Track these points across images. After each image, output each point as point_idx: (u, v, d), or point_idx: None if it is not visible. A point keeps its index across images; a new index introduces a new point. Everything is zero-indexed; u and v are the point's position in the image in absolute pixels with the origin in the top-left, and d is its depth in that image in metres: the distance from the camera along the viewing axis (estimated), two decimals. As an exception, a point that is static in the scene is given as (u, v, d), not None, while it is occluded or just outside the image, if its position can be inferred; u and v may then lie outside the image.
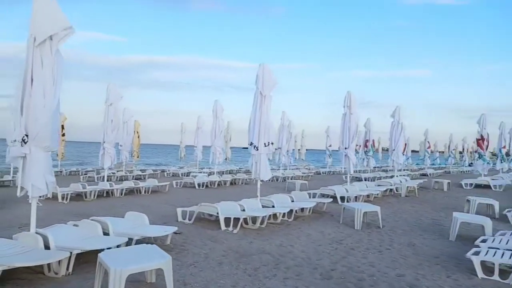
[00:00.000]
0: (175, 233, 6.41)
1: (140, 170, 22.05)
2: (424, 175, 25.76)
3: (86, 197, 11.60)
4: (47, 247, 4.97)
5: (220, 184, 16.87)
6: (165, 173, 22.62)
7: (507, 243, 5.81)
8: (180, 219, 8.36)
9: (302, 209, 9.45)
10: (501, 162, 19.64)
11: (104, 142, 12.56)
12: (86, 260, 5.12)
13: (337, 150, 31.38)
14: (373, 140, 23.81)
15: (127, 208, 9.94)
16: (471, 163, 33.20)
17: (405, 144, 22.29)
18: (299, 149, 30.95)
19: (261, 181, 9.20)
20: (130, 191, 13.41)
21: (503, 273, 4.91)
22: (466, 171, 31.63)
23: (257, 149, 8.95)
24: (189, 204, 10.38)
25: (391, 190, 14.12)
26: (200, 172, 20.26)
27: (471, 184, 17.38)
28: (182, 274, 4.83)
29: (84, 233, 5.70)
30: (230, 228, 7.45)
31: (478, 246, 5.71)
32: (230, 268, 5.16)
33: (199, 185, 15.77)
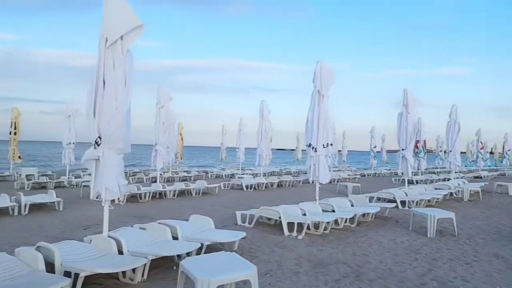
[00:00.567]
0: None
1: (185, 171, 22.24)
2: (478, 177, 24.20)
3: (140, 199, 11.68)
4: (119, 251, 4.88)
5: (267, 186, 16.58)
6: (209, 174, 22.70)
7: None
8: (239, 222, 8.13)
9: (364, 214, 8.93)
10: None
11: (156, 144, 12.65)
12: (157, 265, 4.97)
13: (379, 152, 30.53)
14: (424, 141, 22.52)
15: (184, 210, 9.90)
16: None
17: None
18: (339, 150, 30.07)
19: (320, 184, 8.82)
20: (181, 193, 13.42)
21: None
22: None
23: (316, 151, 8.56)
24: (241, 206, 10.18)
25: (451, 194, 13.23)
26: (245, 174, 20.09)
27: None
28: (260, 284, 4.51)
29: (153, 237, 5.57)
30: (294, 234, 7.10)
31: None
32: (309, 279, 4.80)
33: (246, 187, 15.58)
